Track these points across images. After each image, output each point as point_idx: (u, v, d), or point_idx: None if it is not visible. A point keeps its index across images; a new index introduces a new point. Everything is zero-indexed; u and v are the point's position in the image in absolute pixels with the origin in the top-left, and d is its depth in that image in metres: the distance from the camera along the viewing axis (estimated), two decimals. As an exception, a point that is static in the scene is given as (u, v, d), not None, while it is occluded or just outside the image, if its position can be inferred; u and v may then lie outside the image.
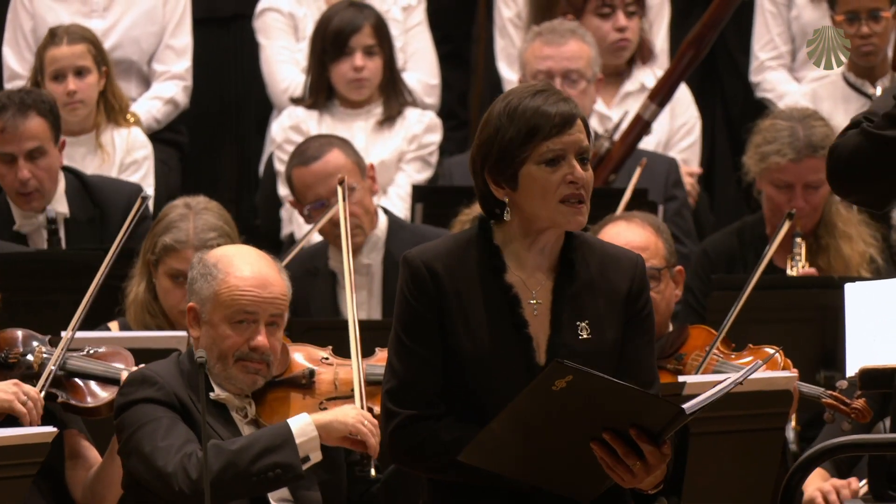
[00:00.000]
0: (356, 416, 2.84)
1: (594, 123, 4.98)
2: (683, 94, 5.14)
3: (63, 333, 3.19)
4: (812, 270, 4.16)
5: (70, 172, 4.41)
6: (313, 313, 4.25)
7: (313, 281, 4.29)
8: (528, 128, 2.25)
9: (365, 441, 2.82)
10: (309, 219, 4.36)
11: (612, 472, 2.18)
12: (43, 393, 3.06)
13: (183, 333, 3.13)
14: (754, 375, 3.16)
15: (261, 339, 2.93)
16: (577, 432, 2.19)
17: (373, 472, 2.89)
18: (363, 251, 4.32)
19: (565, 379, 2.11)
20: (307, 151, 4.37)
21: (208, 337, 2.94)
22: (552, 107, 2.27)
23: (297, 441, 2.80)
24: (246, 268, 2.97)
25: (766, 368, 3.24)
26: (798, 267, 4.15)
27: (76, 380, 3.18)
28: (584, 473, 2.24)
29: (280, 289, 2.99)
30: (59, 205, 4.32)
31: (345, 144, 4.40)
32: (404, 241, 4.24)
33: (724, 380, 2.29)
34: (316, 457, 2.83)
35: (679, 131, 5.17)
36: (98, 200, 4.37)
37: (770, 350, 3.29)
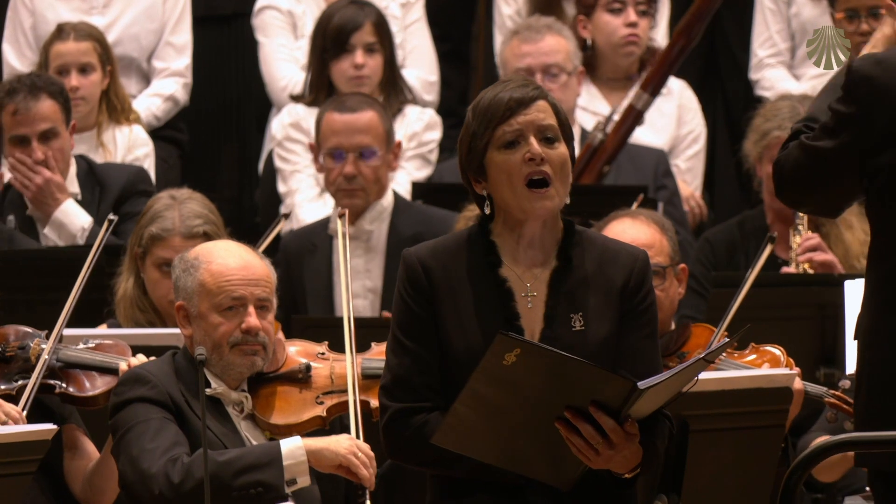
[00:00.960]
0: (349, 446, 2.84)
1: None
2: (690, 101, 5.15)
3: (62, 332, 3.21)
4: (815, 236, 4.18)
5: (81, 159, 4.47)
6: (307, 288, 4.28)
7: (310, 257, 4.31)
8: (485, 116, 2.28)
9: (356, 473, 2.82)
10: (321, 168, 4.43)
11: (578, 452, 2.18)
12: (37, 383, 3.06)
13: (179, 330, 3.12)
14: (754, 373, 3.18)
15: (251, 319, 2.94)
16: (539, 411, 2.19)
17: (367, 503, 2.86)
18: (365, 217, 4.36)
19: (514, 352, 2.11)
20: (347, 101, 4.45)
21: (200, 330, 2.95)
22: (507, 92, 2.29)
23: (285, 463, 2.80)
24: (227, 255, 2.99)
25: (770, 367, 3.24)
26: (800, 235, 4.16)
27: (74, 370, 3.19)
28: (557, 457, 2.23)
29: (263, 272, 3.01)
30: (72, 186, 4.37)
31: (384, 112, 4.47)
32: (410, 217, 4.30)
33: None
34: (304, 481, 2.83)
35: (685, 139, 5.18)
36: (101, 180, 4.42)
37: (773, 349, 3.29)
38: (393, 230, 4.33)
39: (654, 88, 4.66)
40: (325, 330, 3.37)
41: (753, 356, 3.33)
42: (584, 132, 4.88)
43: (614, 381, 2.17)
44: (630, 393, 2.15)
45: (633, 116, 4.68)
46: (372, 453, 2.83)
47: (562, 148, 2.31)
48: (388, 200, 4.41)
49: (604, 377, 2.18)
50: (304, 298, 4.32)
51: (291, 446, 2.83)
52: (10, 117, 4.20)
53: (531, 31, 4.82)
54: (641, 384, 2.15)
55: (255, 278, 2.98)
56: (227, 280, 2.94)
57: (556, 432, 2.19)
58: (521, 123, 2.27)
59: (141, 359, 3.13)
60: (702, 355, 2.27)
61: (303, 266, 4.32)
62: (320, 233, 4.38)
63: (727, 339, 2.38)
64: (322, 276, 4.31)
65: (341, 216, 3.36)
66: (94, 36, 4.74)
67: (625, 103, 4.77)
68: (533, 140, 2.27)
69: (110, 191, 4.39)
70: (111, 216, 3.31)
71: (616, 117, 4.73)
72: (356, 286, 4.24)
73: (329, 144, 4.34)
